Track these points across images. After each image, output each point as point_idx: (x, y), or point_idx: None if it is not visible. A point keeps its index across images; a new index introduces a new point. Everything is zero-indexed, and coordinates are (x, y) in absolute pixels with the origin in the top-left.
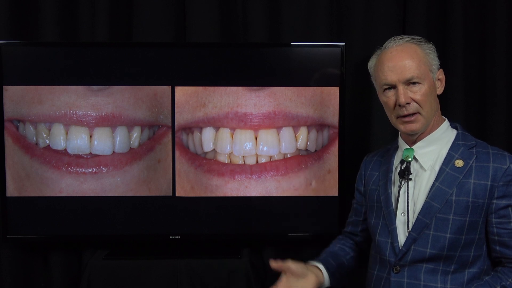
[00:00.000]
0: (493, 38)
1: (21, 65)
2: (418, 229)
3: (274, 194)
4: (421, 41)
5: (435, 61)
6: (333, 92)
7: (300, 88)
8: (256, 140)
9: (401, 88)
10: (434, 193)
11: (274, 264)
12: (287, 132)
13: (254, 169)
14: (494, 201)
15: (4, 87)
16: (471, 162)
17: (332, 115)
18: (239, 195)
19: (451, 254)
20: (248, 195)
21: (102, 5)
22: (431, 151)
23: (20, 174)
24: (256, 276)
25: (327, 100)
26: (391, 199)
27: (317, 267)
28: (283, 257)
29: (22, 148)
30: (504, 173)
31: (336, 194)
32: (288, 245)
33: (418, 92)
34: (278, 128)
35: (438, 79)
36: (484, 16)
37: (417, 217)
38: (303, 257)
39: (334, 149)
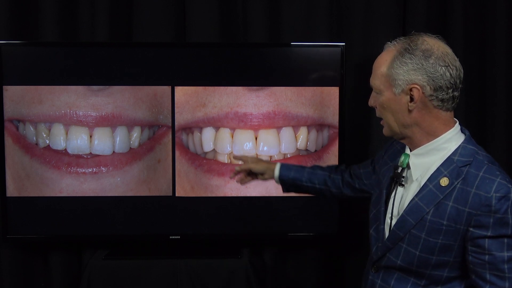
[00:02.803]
0: (493, 38)
1: (21, 65)
2: (392, 240)
3: (274, 194)
4: (407, 49)
5: (404, 76)
6: (333, 92)
7: (300, 88)
8: (256, 140)
9: (373, 91)
10: (411, 208)
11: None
12: (287, 132)
13: None
14: (471, 229)
15: (4, 87)
16: (456, 183)
17: (332, 115)
18: (239, 195)
19: (421, 270)
20: (248, 195)
21: (102, 5)
22: (424, 162)
23: (20, 174)
24: (256, 276)
25: (327, 100)
26: (383, 198)
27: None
28: (283, 257)
29: (22, 148)
30: (483, 203)
31: None
32: (288, 245)
33: (377, 100)
34: (278, 128)
35: (409, 95)
36: (484, 16)
37: (393, 228)
38: (303, 257)
39: (334, 149)
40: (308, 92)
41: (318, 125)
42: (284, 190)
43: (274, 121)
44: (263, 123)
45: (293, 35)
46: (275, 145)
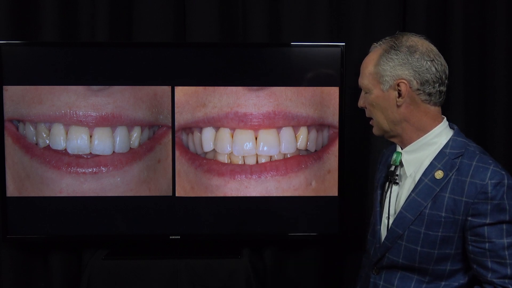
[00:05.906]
0: (493, 38)
1: (21, 65)
2: (391, 239)
3: (274, 194)
4: (393, 46)
5: (391, 72)
6: (333, 92)
7: (300, 88)
8: (256, 140)
9: (362, 92)
10: (409, 204)
11: None
12: (287, 132)
13: (254, 169)
14: (469, 218)
15: (4, 87)
16: (450, 174)
17: (332, 115)
18: (239, 195)
19: (424, 266)
20: (248, 195)
21: (102, 5)
22: (416, 158)
23: (20, 174)
24: (256, 276)
25: (327, 100)
26: (378, 198)
27: None
28: (283, 257)
29: (22, 148)
30: (479, 190)
31: (336, 194)
32: (288, 245)
33: (366, 99)
34: (278, 128)
35: (397, 90)
36: (484, 16)
37: (391, 226)
38: (303, 257)
39: (334, 149)
40: (308, 92)
41: (318, 125)
42: None
43: (274, 121)
44: (263, 123)
45: (293, 35)
46: (275, 145)
